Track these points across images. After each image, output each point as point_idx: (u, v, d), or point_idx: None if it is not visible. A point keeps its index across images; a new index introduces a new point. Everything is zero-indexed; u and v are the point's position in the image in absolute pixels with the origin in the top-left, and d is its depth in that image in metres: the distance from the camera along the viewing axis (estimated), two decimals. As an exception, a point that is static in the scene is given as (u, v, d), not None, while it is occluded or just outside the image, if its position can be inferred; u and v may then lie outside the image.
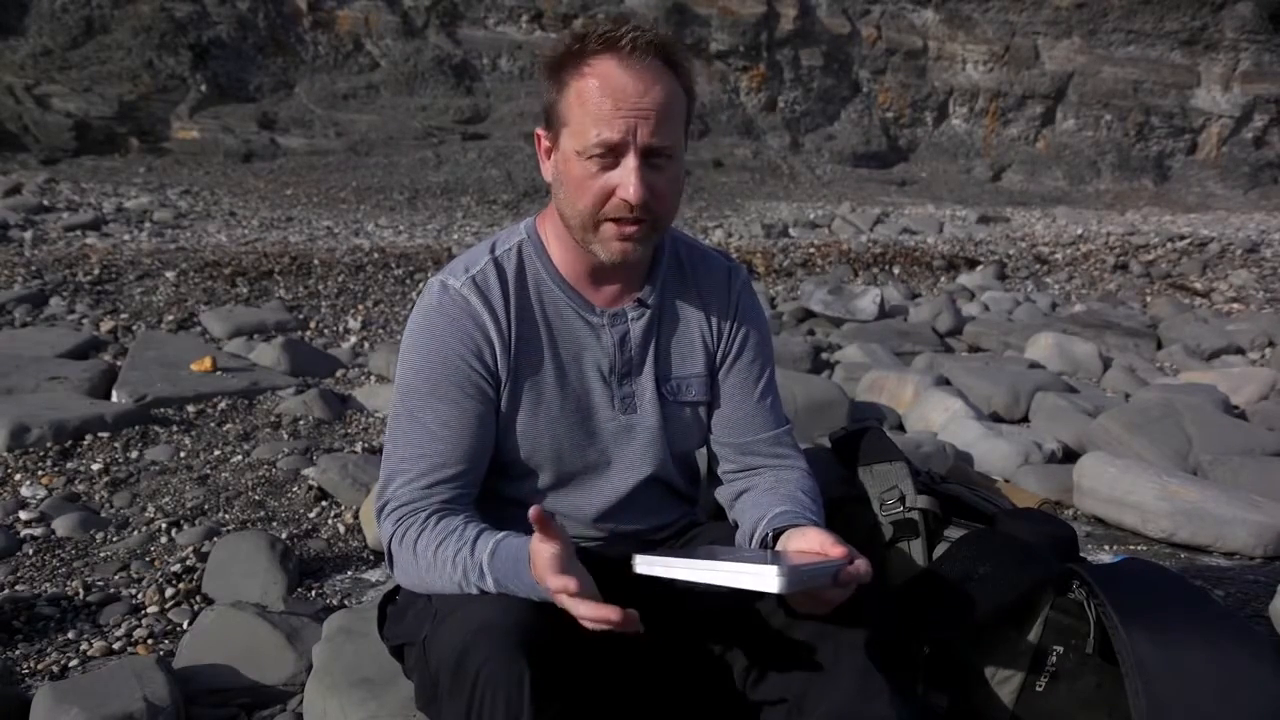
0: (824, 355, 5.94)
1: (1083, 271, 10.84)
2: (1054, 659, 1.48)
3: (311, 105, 21.61)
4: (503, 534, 1.26)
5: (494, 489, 1.42)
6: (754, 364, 1.51)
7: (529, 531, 1.15)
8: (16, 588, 2.50)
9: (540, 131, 1.37)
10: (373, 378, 5.12)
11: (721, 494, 1.56)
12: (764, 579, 1.04)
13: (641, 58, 1.26)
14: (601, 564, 1.21)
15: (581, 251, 1.38)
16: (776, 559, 1.10)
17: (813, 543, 1.23)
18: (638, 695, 1.37)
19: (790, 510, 1.37)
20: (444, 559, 1.27)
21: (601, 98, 1.24)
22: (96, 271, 7.32)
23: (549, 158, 1.37)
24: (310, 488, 3.24)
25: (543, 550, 1.12)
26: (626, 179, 1.26)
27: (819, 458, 1.78)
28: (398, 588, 1.45)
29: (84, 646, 2.20)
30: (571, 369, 1.41)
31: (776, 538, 1.32)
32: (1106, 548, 2.92)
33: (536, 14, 24.61)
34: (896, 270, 10.35)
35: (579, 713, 1.19)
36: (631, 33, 1.27)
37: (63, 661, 2.13)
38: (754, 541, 1.37)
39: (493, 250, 1.42)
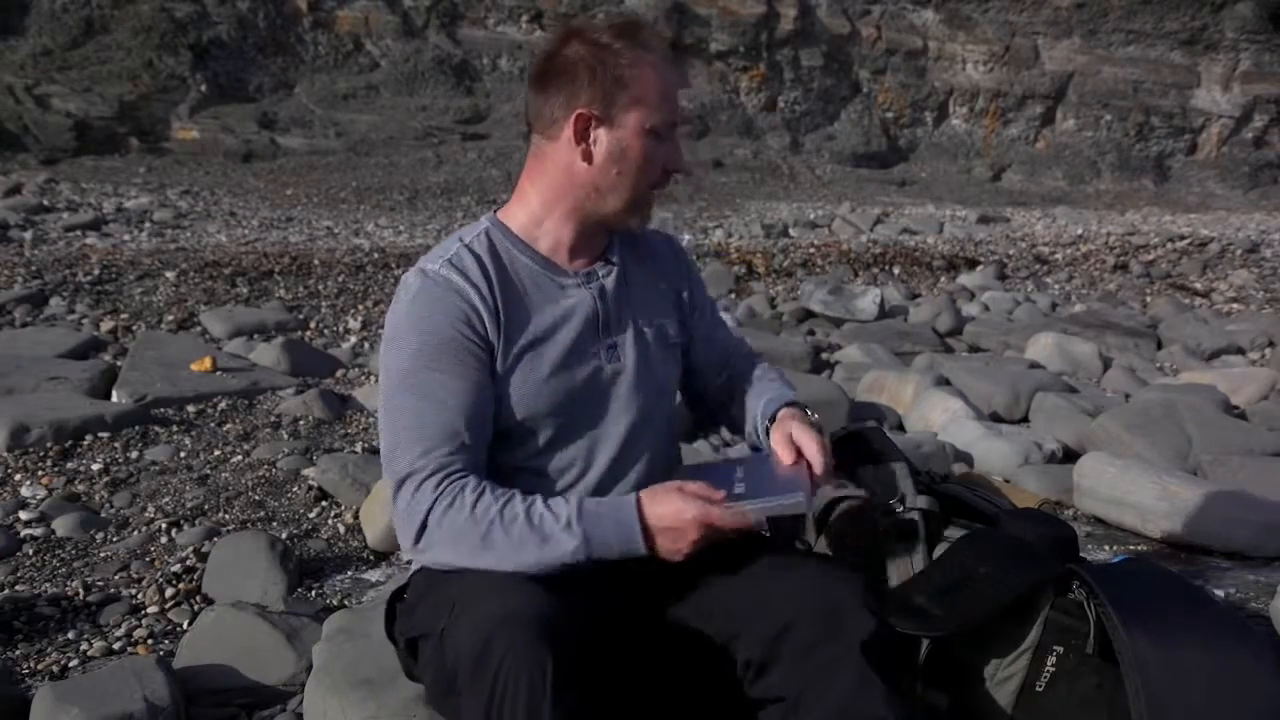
0: (824, 355, 5.94)
1: (1083, 271, 10.83)
2: (1054, 659, 1.48)
3: (311, 105, 21.61)
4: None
5: (493, 456, 1.42)
6: (711, 311, 1.72)
7: None
8: (16, 588, 2.50)
9: (583, 111, 1.39)
10: (373, 378, 5.12)
11: (712, 402, 1.71)
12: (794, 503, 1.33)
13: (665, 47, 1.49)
14: (615, 574, 1.28)
15: (550, 234, 1.48)
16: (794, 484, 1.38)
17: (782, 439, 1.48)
18: (645, 689, 1.38)
19: (771, 398, 1.60)
20: (513, 515, 1.29)
21: (664, 80, 1.42)
22: (96, 271, 7.32)
23: (580, 140, 1.40)
24: (310, 488, 3.24)
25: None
26: (677, 151, 1.47)
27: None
28: (406, 584, 1.45)
29: (84, 646, 2.20)
30: (560, 328, 1.45)
31: (769, 432, 1.53)
32: (1106, 548, 2.92)
33: (536, 14, 24.59)
34: (896, 270, 10.34)
35: (595, 705, 1.19)
36: (646, 27, 1.48)
37: (63, 661, 2.14)
38: (759, 432, 1.59)
39: (461, 239, 1.47)
